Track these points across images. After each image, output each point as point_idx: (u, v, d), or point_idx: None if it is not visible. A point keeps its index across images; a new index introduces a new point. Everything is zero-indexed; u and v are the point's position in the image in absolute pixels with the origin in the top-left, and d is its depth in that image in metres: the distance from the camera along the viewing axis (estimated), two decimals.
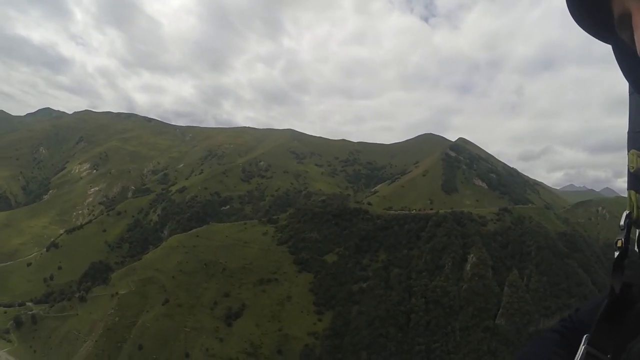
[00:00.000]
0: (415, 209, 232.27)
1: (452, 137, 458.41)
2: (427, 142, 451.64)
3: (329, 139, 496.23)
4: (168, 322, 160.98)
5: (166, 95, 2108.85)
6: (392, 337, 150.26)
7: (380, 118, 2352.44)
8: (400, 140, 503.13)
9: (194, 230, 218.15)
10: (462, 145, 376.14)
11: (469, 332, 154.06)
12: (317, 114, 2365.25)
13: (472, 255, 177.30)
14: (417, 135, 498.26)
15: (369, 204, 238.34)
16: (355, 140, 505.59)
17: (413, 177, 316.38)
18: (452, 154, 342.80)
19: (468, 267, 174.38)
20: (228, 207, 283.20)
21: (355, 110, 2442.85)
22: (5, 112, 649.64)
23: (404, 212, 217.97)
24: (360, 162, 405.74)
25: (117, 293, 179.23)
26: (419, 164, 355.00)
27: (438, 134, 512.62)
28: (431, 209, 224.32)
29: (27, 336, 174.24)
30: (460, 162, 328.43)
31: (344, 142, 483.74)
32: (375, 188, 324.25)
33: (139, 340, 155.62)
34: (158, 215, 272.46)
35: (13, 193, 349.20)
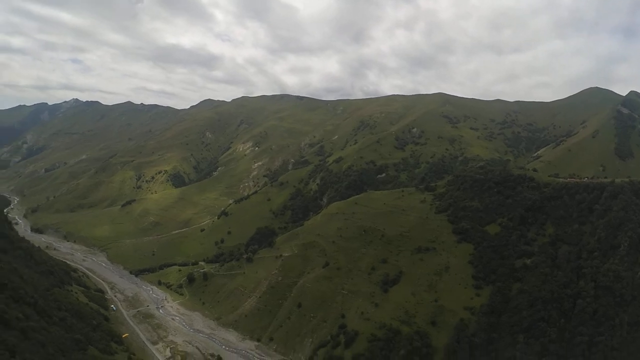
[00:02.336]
0: (587, 177, 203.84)
1: (622, 90, 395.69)
2: (593, 98, 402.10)
3: (482, 100, 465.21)
4: (326, 284, 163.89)
5: (313, 74, 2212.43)
6: (553, 322, 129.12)
7: (535, 73, 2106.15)
8: (562, 97, 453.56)
9: (352, 197, 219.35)
10: (635, 101, 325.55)
11: (638, 329, 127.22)
12: (465, 75, 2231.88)
13: None
14: (580, 90, 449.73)
15: (534, 170, 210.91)
16: (510, 99, 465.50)
17: (581, 139, 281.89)
18: (625, 110, 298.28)
19: None
20: (384, 175, 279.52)
21: (507, 67, 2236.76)
22: (172, 107, 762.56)
23: (574, 180, 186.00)
24: (519, 124, 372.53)
25: (281, 255, 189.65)
26: (586, 124, 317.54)
27: (604, 87, 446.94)
28: (605, 177, 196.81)
29: (197, 291, 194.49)
30: (635, 120, 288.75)
31: (499, 103, 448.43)
32: (538, 152, 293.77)
33: (299, 299, 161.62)
34: (317, 184, 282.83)
35: (186, 172, 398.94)
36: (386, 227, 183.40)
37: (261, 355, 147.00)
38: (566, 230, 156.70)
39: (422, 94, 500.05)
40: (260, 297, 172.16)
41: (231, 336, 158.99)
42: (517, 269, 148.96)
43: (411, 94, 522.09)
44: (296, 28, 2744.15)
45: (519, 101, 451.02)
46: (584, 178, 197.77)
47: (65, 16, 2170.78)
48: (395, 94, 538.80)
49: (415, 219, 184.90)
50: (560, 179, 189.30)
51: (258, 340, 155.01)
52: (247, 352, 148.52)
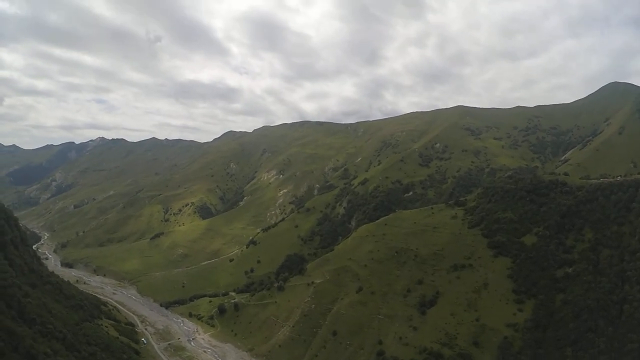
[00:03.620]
0: (619, 175, 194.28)
1: None
2: (614, 93, 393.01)
3: (502, 109, 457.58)
4: (362, 310, 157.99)
5: (330, 99, 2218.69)
6: (601, 331, 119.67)
7: (552, 75, 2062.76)
8: (582, 97, 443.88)
9: (382, 219, 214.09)
10: None
11: None
12: (482, 85, 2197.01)
13: None
14: (599, 87, 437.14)
15: (565, 174, 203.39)
16: (530, 105, 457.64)
17: (607, 137, 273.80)
18: None
19: None
20: (411, 193, 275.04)
21: (523, 72, 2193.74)
22: (195, 141, 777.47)
23: (607, 180, 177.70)
24: (542, 129, 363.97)
25: (312, 282, 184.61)
26: (610, 121, 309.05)
27: (623, 81, 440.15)
28: (638, 173, 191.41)
29: (229, 321, 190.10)
30: None
31: (519, 109, 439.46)
32: (566, 155, 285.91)
33: (334, 327, 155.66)
34: (344, 208, 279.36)
35: (213, 203, 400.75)
36: (419, 247, 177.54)
37: None
38: (605, 234, 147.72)
39: (441, 109, 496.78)
40: (293, 326, 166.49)
41: None
42: (558, 279, 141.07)
43: (429, 109, 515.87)
44: (310, 55, 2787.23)
45: (539, 106, 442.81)
46: (617, 177, 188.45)
47: (87, 58, 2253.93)
48: (414, 111, 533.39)
49: (448, 236, 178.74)
50: (593, 180, 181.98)
51: None
52: None
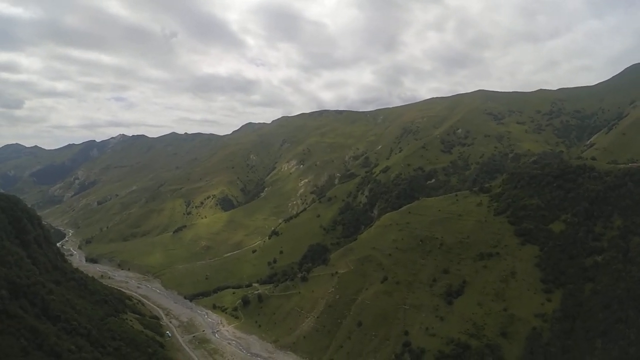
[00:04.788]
0: None
1: None
2: (639, 75, 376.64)
3: (524, 92, 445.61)
4: (387, 300, 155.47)
5: (349, 87, 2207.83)
6: (631, 322, 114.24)
7: (575, 57, 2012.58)
8: (606, 79, 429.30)
9: (405, 207, 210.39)
10: None
11: None
12: (503, 69, 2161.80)
13: None
14: (623, 68, 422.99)
15: (593, 158, 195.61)
16: (553, 88, 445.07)
17: (633, 120, 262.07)
18: None
19: None
20: (433, 180, 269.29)
21: (545, 54, 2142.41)
22: (215, 134, 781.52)
23: (635, 165, 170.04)
24: (566, 112, 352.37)
25: (336, 272, 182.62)
26: (636, 104, 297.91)
27: None
28: None
29: (253, 313, 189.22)
30: None
31: (542, 93, 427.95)
32: (591, 140, 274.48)
33: (359, 317, 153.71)
34: (366, 196, 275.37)
35: (234, 195, 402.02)
36: (444, 235, 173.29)
37: None
38: (635, 221, 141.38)
39: (462, 94, 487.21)
40: (318, 317, 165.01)
41: (290, 359, 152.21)
42: (587, 268, 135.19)
43: (450, 95, 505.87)
44: (327, 44, 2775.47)
45: (562, 88, 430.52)
46: None
47: (105, 58, 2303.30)
48: (434, 96, 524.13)
49: (474, 224, 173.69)
50: (621, 165, 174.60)
51: None
52: None
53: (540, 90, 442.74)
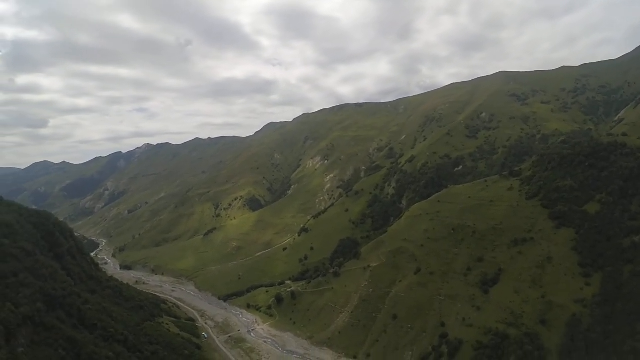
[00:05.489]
0: None
1: None
2: None
3: (546, 71, 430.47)
4: (421, 291, 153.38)
5: (366, 79, 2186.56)
6: None
7: (594, 30, 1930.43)
8: (629, 50, 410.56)
9: (434, 196, 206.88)
10: None
11: None
12: (521, 49, 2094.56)
13: None
14: None
15: (624, 134, 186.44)
16: (575, 64, 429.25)
17: None
18: None
19: None
20: (461, 167, 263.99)
21: (563, 30, 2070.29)
22: (237, 136, 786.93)
23: None
24: (590, 88, 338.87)
25: (368, 266, 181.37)
26: None
27: None
28: None
29: (287, 310, 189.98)
30: None
31: (564, 70, 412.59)
32: (620, 115, 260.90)
33: (393, 310, 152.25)
34: (393, 187, 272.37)
35: (261, 195, 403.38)
36: (476, 222, 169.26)
37: None
38: None
39: (482, 77, 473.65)
40: (352, 311, 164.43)
41: (326, 355, 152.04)
42: (626, 249, 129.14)
43: (470, 79, 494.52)
44: (341, 38, 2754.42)
45: (585, 64, 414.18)
46: None
47: (123, 71, 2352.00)
48: (454, 82, 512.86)
49: (506, 209, 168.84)
50: None
51: (354, 358, 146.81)
52: None
53: (563, 67, 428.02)
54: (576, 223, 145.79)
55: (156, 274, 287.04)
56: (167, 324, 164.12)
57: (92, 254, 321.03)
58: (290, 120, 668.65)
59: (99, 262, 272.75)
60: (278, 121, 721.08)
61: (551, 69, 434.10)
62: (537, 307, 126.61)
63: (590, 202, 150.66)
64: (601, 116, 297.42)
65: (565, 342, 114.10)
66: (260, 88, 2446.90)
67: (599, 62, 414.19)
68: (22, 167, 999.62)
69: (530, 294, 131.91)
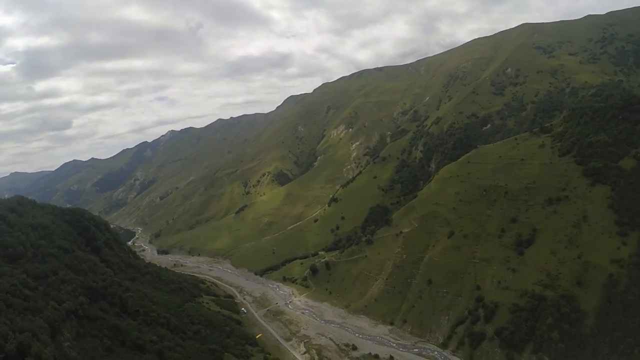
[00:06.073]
0: None
1: None
2: None
3: (571, 21, 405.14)
4: (455, 255, 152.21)
5: (384, 43, 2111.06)
6: None
7: None
8: None
9: (463, 157, 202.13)
10: None
11: None
12: None
13: None
14: None
15: None
16: (601, 12, 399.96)
17: None
18: None
19: None
20: (489, 126, 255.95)
21: None
22: (259, 113, 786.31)
23: None
24: (619, 37, 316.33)
25: (401, 232, 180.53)
26: None
27: None
28: None
29: (322, 281, 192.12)
30: None
31: (590, 19, 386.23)
32: None
33: (428, 275, 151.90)
34: (421, 151, 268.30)
35: (288, 169, 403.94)
36: (508, 182, 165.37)
37: (396, 339, 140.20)
38: None
39: (505, 30, 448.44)
40: (387, 278, 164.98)
41: (363, 323, 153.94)
42: None
43: (492, 33, 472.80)
44: (354, 2, 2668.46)
45: (611, 12, 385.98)
46: None
47: (138, 63, 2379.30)
48: (476, 38, 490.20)
49: (539, 167, 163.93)
50: None
51: (391, 324, 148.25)
52: (382, 338, 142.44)
53: (588, 16, 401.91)
54: (612, 180, 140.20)
55: (192, 256, 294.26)
56: (207, 302, 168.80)
57: (129, 243, 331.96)
58: (311, 91, 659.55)
59: (136, 249, 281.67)
60: (298, 94, 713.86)
61: (576, 18, 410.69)
62: (574, 268, 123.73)
63: (625, 157, 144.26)
64: (632, 66, 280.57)
65: (603, 304, 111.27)
66: (276, 62, 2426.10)
67: (626, 9, 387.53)
68: (53, 169, 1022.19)
69: (566, 255, 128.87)
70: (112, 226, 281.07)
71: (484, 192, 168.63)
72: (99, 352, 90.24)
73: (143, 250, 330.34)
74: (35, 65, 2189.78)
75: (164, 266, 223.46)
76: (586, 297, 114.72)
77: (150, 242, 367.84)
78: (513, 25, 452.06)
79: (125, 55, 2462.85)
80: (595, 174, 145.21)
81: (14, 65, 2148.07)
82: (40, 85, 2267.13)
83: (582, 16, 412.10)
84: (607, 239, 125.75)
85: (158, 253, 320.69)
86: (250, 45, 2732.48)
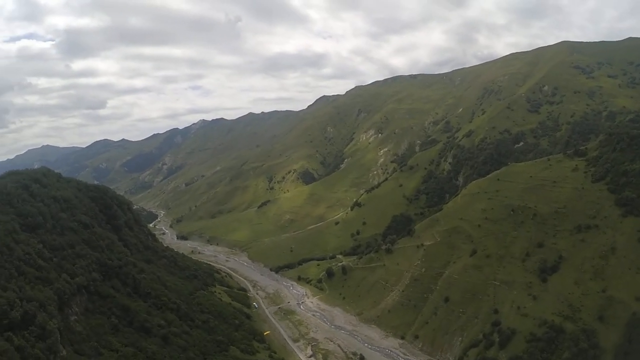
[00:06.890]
0: None
1: None
2: None
3: (612, 42, 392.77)
4: (476, 275, 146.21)
5: (420, 50, 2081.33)
6: None
7: None
8: None
9: (493, 173, 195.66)
10: None
11: None
12: (584, 16, 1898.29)
13: None
14: None
15: None
16: None
17: None
18: None
19: None
20: (521, 143, 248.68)
21: None
22: (290, 110, 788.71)
23: None
24: None
25: (422, 244, 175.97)
26: None
27: None
28: None
29: (337, 285, 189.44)
30: None
31: (632, 42, 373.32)
32: None
33: (446, 292, 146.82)
34: (449, 163, 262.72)
35: (314, 168, 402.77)
36: (537, 204, 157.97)
37: (406, 355, 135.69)
38: None
39: (544, 47, 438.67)
40: (403, 290, 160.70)
41: (373, 333, 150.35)
42: None
43: (530, 49, 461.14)
44: (392, 7, 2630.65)
45: None
46: None
47: (176, 51, 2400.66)
48: (513, 52, 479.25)
49: (570, 192, 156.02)
50: None
51: (402, 338, 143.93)
52: (391, 351, 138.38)
53: (630, 38, 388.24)
54: None
55: (211, 244, 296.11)
56: (219, 293, 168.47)
57: (151, 225, 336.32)
58: (343, 93, 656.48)
59: (156, 232, 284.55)
60: (331, 94, 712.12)
61: (617, 39, 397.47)
62: (597, 302, 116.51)
63: None
64: None
65: (622, 343, 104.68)
66: (312, 62, 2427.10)
67: None
68: (84, 146, 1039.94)
69: (590, 287, 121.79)
70: (135, 207, 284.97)
71: (512, 212, 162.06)
72: (105, 329, 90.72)
73: (163, 233, 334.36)
74: (75, 44, 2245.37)
75: (181, 252, 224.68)
76: (607, 334, 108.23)
77: (171, 227, 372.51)
78: (551, 42, 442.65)
79: (163, 43, 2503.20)
80: (628, 205, 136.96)
81: (54, 42, 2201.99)
82: (78, 64, 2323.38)
83: (623, 38, 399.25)
84: (635, 274, 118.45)
85: (177, 238, 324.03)
86: (287, 42, 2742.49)
